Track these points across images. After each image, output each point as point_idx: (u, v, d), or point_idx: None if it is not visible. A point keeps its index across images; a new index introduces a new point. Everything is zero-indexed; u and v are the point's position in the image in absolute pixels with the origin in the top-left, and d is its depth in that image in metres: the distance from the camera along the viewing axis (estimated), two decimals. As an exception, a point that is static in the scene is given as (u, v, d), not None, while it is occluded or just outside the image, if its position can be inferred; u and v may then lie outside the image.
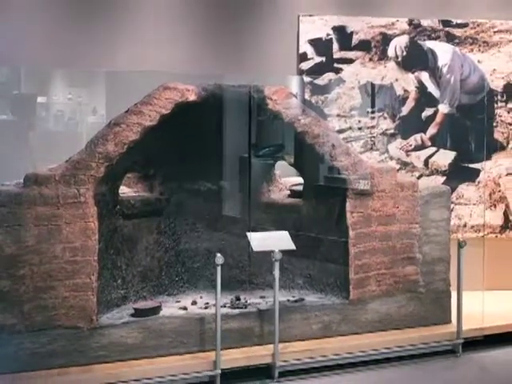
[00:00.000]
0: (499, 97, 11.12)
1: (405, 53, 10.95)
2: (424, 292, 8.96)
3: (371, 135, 10.89)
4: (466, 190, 11.04)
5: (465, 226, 10.97)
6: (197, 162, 8.99)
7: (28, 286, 7.36)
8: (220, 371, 7.66)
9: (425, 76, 11.02)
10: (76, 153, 7.77)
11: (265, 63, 10.50)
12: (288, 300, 8.62)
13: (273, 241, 8.28)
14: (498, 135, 11.11)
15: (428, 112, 11.03)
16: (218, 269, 7.69)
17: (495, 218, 11.09)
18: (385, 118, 10.94)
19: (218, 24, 10.55)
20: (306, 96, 10.59)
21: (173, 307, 8.39)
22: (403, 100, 10.97)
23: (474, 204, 11.04)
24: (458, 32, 11.03)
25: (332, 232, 8.92)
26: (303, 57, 10.76)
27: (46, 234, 7.46)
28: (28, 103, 9.88)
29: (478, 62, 11.08)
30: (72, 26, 9.93)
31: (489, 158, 11.01)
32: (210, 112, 8.57)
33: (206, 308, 8.38)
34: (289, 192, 9.58)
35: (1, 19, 9.68)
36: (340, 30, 10.83)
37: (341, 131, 10.56)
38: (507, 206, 11.12)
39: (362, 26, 10.87)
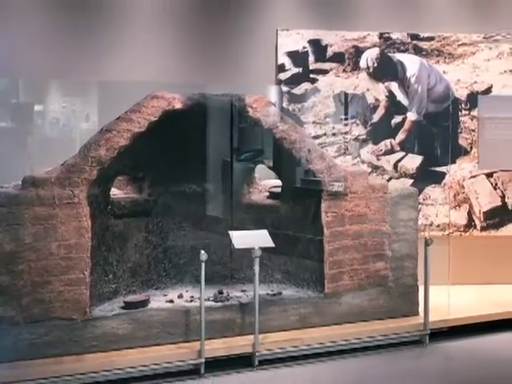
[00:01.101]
0: (463, 105, 11.13)
1: (376, 64, 10.97)
2: (393, 286, 9.00)
3: (344, 141, 10.90)
4: (432, 191, 11.07)
5: (431, 225, 11.00)
6: (183, 166, 8.94)
7: (26, 280, 7.39)
8: (204, 360, 7.72)
9: (394, 86, 11.04)
10: (70, 157, 7.78)
11: (246, 74, 10.52)
12: (267, 294, 8.63)
13: (253, 239, 8.30)
14: (462, 141, 11.12)
15: (397, 119, 11.05)
16: (202, 265, 7.75)
17: (459, 217, 11.11)
18: (357, 125, 10.96)
19: (203, 37, 10.54)
20: (284, 104, 10.60)
21: (160, 300, 8.38)
22: (374, 108, 10.99)
23: (440, 204, 11.05)
24: (425, 45, 11.07)
25: (308, 231, 8.95)
26: (281, 68, 10.77)
27: (43, 233, 7.49)
28: (26, 111, 9.87)
29: (444, 72, 11.11)
30: (67, 41, 9.92)
31: (453, 161, 11.04)
32: (195, 119, 8.52)
33: (191, 301, 8.35)
34: (268, 193, 9.57)
35: (1, 34, 9.69)
36: (315, 43, 10.84)
37: (316, 137, 10.59)
38: (471, 206, 11.13)
39: (335, 40, 10.88)
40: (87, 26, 10.08)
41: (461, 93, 11.13)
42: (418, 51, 11.08)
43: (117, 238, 8.59)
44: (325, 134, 10.85)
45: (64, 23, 10.00)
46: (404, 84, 11.09)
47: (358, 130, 10.97)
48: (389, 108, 11.05)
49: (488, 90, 11.18)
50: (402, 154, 11.08)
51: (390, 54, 11.03)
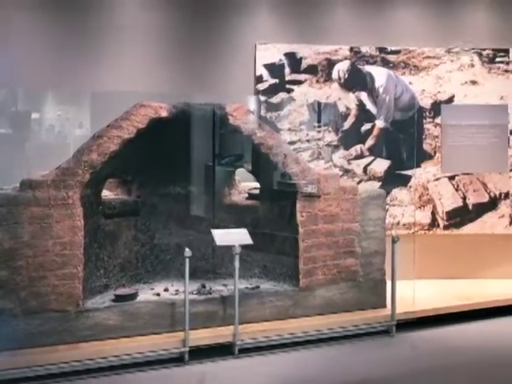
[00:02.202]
0: (427, 113, 11.16)
1: (346, 75, 10.98)
2: (363, 281, 9.05)
3: (318, 146, 10.90)
4: (399, 193, 11.08)
5: (398, 224, 11.00)
6: (168, 169, 8.92)
7: (23, 275, 7.45)
8: (188, 348, 7.78)
9: (364, 95, 11.06)
10: (65, 161, 7.82)
11: (226, 84, 10.53)
12: (246, 287, 8.65)
13: (233, 237, 8.33)
14: (426, 146, 11.14)
15: (366, 126, 11.06)
16: (187, 261, 7.78)
17: (424, 217, 11.12)
18: (329, 132, 10.96)
19: (187, 51, 10.53)
20: (262, 113, 10.60)
21: (148, 293, 8.41)
22: (345, 116, 10.98)
23: (406, 205, 11.08)
24: (392, 58, 11.09)
25: (284, 229, 8.99)
26: (259, 79, 10.79)
27: (39, 231, 7.53)
28: (23, 119, 9.85)
29: (410, 83, 11.13)
30: (62, 54, 9.93)
31: (418, 165, 11.06)
32: (180, 126, 8.57)
33: (176, 294, 8.37)
34: (247, 195, 9.60)
35: (2, 49, 9.67)
36: (291, 56, 10.86)
37: (292, 143, 10.60)
38: (434, 206, 11.15)
39: (309, 53, 10.90)
40: (81, 42, 10.10)
41: (425, 102, 11.17)
42: (385, 63, 11.10)
43: (107, 236, 8.59)
44: (299, 140, 10.87)
45: (60, 39, 10.03)
46: (373, 94, 11.11)
47: (330, 137, 10.98)
48: (359, 116, 11.06)
49: (450, 100, 11.20)
50: (371, 158, 11.09)
51: (359, 66, 11.05)
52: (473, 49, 11.25)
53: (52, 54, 9.97)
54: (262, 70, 10.83)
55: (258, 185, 9.56)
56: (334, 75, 10.99)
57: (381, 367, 7.85)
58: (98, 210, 8.48)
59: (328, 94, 11.00)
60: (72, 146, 8.69)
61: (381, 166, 11.12)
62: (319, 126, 10.96)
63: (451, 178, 11.23)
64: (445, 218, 11.20)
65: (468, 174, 11.24)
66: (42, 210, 7.57)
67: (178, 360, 7.79)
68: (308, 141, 10.92)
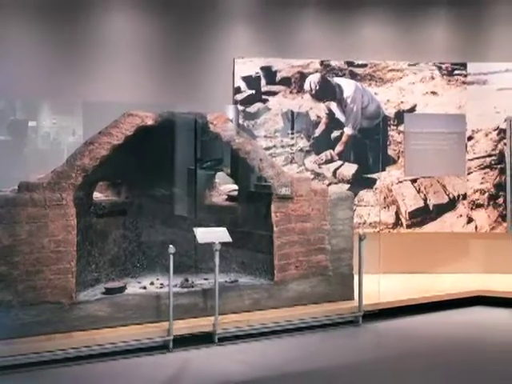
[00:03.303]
0: (392, 121, 11.24)
1: (317, 87, 11.06)
2: (332, 275, 9.08)
3: (291, 152, 10.97)
4: (365, 194, 11.14)
5: (364, 223, 11.07)
6: (154, 173, 8.97)
7: (21, 270, 7.48)
8: (172, 337, 7.81)
9: (333, 105, 11.13)
10: (59, 165, 7.85)
11: (207, 95, 10.59)
12: (226, 281, 8.69)
13: (214, 235, 8.32)
14: (390, 152, 11.22)
15: (336, 133, 11.13)
16: (171, 257, 7.80)
17: (388, 217, 11.20)
18: (302, 138, 11.03)
19: (171, 64, 10.64)
20: (240, 121, 10.68)
21: (135, 287, 8.45)
22: (316, 124, 11.07)
23: (372, 206, 11.13)
24: (359, 70, 11.18)
25: (260, 228, 9.03)
26: (237, 90, 10.88)
27: (36, 230, 7.55)
28: (21, 127, 9.87)
29: (375, 94, 11.23)
30: (57, 68, 10.05)
31: (383, 169, 11.13)
32: (164, 134, 8.62)
33: (161, 287, 8.43)
34: (226, 196, 9.62)
35: (1, 63, 9.69)
36: (266, 69, 10.95)
37: (267, 148, 10.62)
38: (398, 207, 11.22)
39: (283, 66, 10.98)
40: (74, 56, 10.18)
41: (390, 111, 11.26)
42: (353, 76, 11.18)
43: (98, 234, 8.62)
44: (274, 146, 10.93)
45: (55, 53, 10.11)
46: (341, 104, 11.17)
47: (303, 143, 11.05)
48: (329, 124, 11.12)
49: (412, 109, 11.30)
50: (340, 162, 11.15)
51: (329, 79, 11.12)
52: (433, 63, 11.33)
53: (47, 67, 10.06)
54: (239, 82, 10.93)
55: (236, 187, 9.60)
56: (306, 87, 11.08)
57: (348, 354, 7.87)
58: (90, 210, 8.49)
59: (300, 103, 11.08)
60: (66, 152, 8.70)
61: (349, 169, 11.17)
62: (292, 133, 11.04)
63: (413, 180, 11.30)
64: (407, 217, 11.25)
65: (429, 177, 11.31)
66: (38, 210, 7.58)
67: (162, 348, 7.79)
68: (282, 147, 10.99)
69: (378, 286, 9.34)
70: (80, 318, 7.75)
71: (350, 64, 11.22)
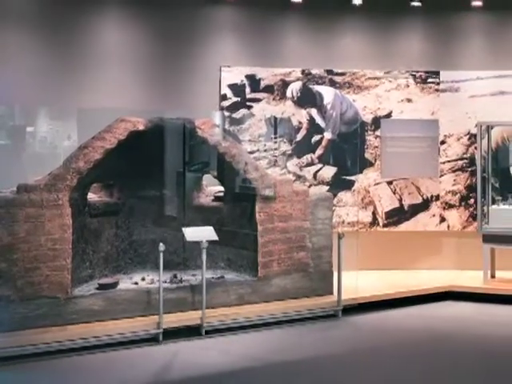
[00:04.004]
0: (369, 127, 11.25)
1: (299, 94, 11.06)
2: (313, 271, 9.11)
3: (274, 155, 10.99)
4: (344, 195, 11.13)
5: (343, 222, 11.02)
6: (145, 175, 8.97)
7: (20, 266, 7.53)
8: (162, 330, 7.85)
9: (314, 111, 11.13)
10: (55, 168, 7.91)
11: (195, 102, 10.57)
12: (212, 277, 8.75)
13: (201, 233, 8.35)
14: (368, 155, 11.23)
15: (316, 138, 11.13)
16: (161, 254, 7.84)
17: (366, 216, 11.20)
18: (284, 143, 11.04)
19: (161, 73, 10.61)
20: (226, 126, 10.62)
21: (127, 282, 8.50)
22: (298, 129, 11.06)
23: (350, 206, 11.13)
24: (338, 79, 11.17)
25: (245, 227, 9.10)
26: (224, 97, 10.87)
27: (33, 229, 7.60)
28: (20, 132, 9.87)
29: (353, 101, 11.21)
30: (54, 77, 9.99)
31: (361, 172, 11.17)
32: (155, 138, 8.67)
33: (151, 283, 8.46)
34: (213, 197, 9.63)
35: (1, 72, 9.70)
36: (251, 77, 10.96)
37: (251, 152, 10.61)
38: (375, 207, 11.23)
39: (267, 74, 10.99)
40: (70, 65, 10.14)
41: (367, 117, 11.26)
42: (332, 84, 11.17)
43: (92, 233, 8.63)
44: (258, 150, 10.95)
45: (52, 64, 10.07)
46: (322, 110, 11.17)
47: (285, 147, 11.05)
48: (309, 129, 11.13)
49: (388, 115, 11.29)
50: (320, 165, 11.15)
51: (310, 86, 11.13)
52: (408, 71, 11.36)
53: (45, 76, 10.01)
54: (226, 90, 10.92)
55: (222, 188, 9.61)
56: (288, 94, 11.08)
57: (328, 345, 7.94)
58: (84, 211, 8.52)
59: (283, 110, 11.08)
60: (62, 155, 8.64)
61: (328, 172, 11.18)
62: (275, 138, 11.05)
63: (389, 182, 11.30)
64: (384, 217, 11.28)
65: (404, 179, 11.31)
66: (35, 210, 7.63)
67: (153, 340, 7.83)
68: (266, 150, 11.00)
69: (356, 282, 9.36)
70: (75, 311, 7.77)
71: (329, 72, 11.22)
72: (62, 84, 10.04)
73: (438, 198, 11.36)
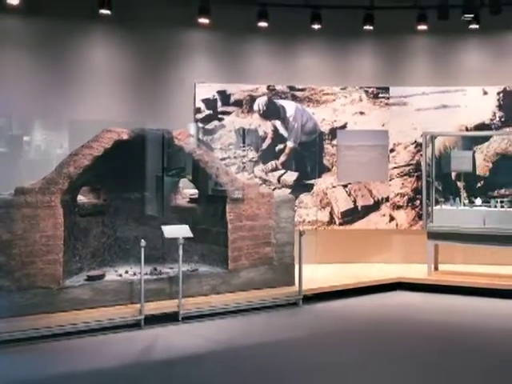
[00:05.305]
0: (326, 137, 11.37)
1: (265, 108, 11.21)
2: (277, 264, 9.21)
3: (242, 162, 11.09)
4: (304, 197, 11.27)
5: (304, 221, 11.17)
6: (128, 179, 9.02)
7: (17, 260, 7.61)
8: (144, 316, 7.94)
9: (278, 123, 11.27)
10: (49, 173, 7.97)
11: (172, 114, 10.61)
12: (188, 270, 8.78)
13: (178, 231, 8.39)
14: (325, 161, 11.35)
15: (280, 146, 11.29)
16: (142, 249, 7.92)
17: (324, 216, 11.33)
18: (251, 150, 11.16)
19: (142, 89, 10.71)
20: (200, 136, 10.71)
21: (112, 274, 8.53)
22: (263, 139, 11.22)
23: (310, 207, 11.25)
24: (299, 94, 11.31)
25: (217, 225, 9.14)
26: (198, 110, 10.99)
27: (29, 227, 7.68)
28: (17, 141, 9.87)
29: (313, 113, 11.37)
30: (47, 91, 10.11)
31: (320, 176, 11.31)
32: (137, 146, 8.72)
33: (134, 275, 8.48)
34: (189, 199, 9.69)
35: (1, 87, 9.74)
36: (222, 93, 11.08)
37: (222, 159, 10.72)
38: (332, 208, 11.33)
39: (236, 90, 11.12)
40: (62, 82, 10.25)
41: (325, 128, 11.41)
42: (294, 98, 11.32)
43: (82, 231, 8.69)
44: (229, 157, 11.04)
45: (46, 81, 10.18)
46: (285, 122, 11.31)
47: (252, 154, 11.18)
48: (274, 138, 11.27)
49: (344, 126, 11.42)
50: (283, 171, 11.30)
51: (274, 100, 11.27)
52: (361, 87, 11.47)
53: (40, 91, 10.08)
54: (199, 104, 11.04)
55: (196, 191, 9.67)
56: (255, 107, 11.22)
57: (290, 330, 8.02)
58: (75, 211, 8.55)
59: (250, 122, 11.22)
60: (54, 162, 8.65)
61: (291, 176, 11.32)
62: (244, 146, 11.17)
63: (345, 185, 11.43)
64: (340, 216, 11.39)
65: (357, 182, 11.44)
66: (31, 210, 7.70)
67: (135, 325, 7.92)
68: (235, 157, 11.11)
69: (316, 274, 9.56)
70: (66, 300, 7.83)
71: (291, 88, 11.34)
72: (54, 99, 10.09)
73: (387, 199, 11.47)
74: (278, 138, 11.32)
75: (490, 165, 11.29)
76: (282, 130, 11.34)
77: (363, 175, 11.45)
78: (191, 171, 9.52)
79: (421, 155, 11.12)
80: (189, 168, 9.48)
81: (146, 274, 8.42)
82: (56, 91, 10.15)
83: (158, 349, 7.29)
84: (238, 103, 11.20)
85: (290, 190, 11.09)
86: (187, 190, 9.86)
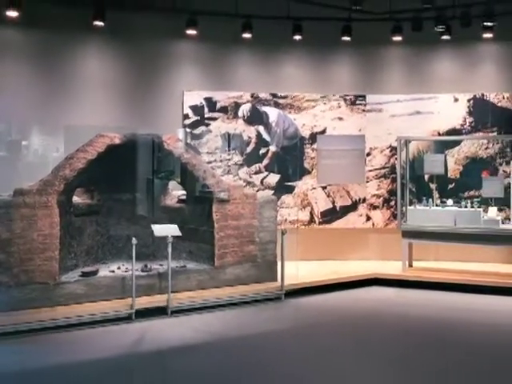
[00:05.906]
0: (307, 141, 11.44)
1: (249, 114, 11.28)
2: (260, 261, 9.28)
3: (228, 164, 11.13)
4: (286, 198, 11.34)
5: (286, 220, 11.19)
6: (120, 181, 9.05)
7: (16, 257, 7.69)
8: (135, 310, 8.00)
9: (261, 128, 11.36)
10: (46, 176, 8.04)
11: (162, 120, 10.60)
12: (177, 266, 8.81)
13: (167, 230, 8.43)
14: (306, 164, 11.42)
15: (263, 150, 11.37)
16: (134, 247, 7.98)
17: (304, 216, 11.38)
18: (236, 154, 11.21)
19: (134, 96, 10.75)
20: (188, 140, 10.64)
21: (105, 271, 8.55)
22: (248, 143, 11.29)
23: (291, 207, 11.30)
24: (281, 101, 11.40)
25: (204, 225, 9.17)
26: (186, 116, 11.04)
27: (27, 226, 7.76)
28: (16, 145, 9.90)
29: (294, 119, 11.44)
30: (44, 99, 10.16)
31: (300, 178, 11.38)
32: (129, 150, 8.77)
33: (126, 271, 8.52)
34: (177, 200, 9.71)
35: (1, 95, 9.75)
36: (208, 100, 11.14)
37: (209, 162, 10.74)
38: (312, 208, 11.39)
39: (222, 97, 11.18)
40: (58, 90, 10.29)
41: (305, 133, 11.49)
42: (276, 105, 11.40)
43: (76, 230, 8.76)
44: (215, 160, 11.09)
45: (43, 89, 10.22)
46: (268, 127, 11.39)
47: (237, 158, 11.23)
48: (258, 143, 11.34)
49: (323, 131, 11.49)
50: (266, 173, 11.37)
51: (258, 107, 11.34)
52: (340, 95, 11.52)
53: (37, 98, 10.14)
54: (187, 110, 11.10)
55: (185, 192, 9.72)
56: (240, 114, 11.29)
57: (273, 323, 8.10)
58: (70, 211, 8.63)
59: (235, 127, 11.29)
60: (51, 165, 8.68)
61: (273, 179, 11.40)
62: (229, 150, 11.22)
63: (324, 187, 11.51)
64: (319, 216, 11.46)
65: (336, 184, 11.50)
66: (29, 210, 7.77)
67: (127, 318, 7.98)
68: (221, 161, 11.16)
69: (297, 270, 9.50)
70: (62, 295, 7.90)
71: (274, 96, 11.42)
72: (51, 106, 10.13)
73: (364, 200, 11.55)
74: (261, 142, 11.38)
75: (461, 168, 11.31)
76: (265, 135, 11.40)
77: (341, 177, 11.48)
78: (180, 174, 9.53)
79: (395, 159, 11.15)
80: (177, 171, 9.49)
81: (137, 270, 8.44)
82: (53, 99, 10.19)
83: (148, 340, 7.33)
84: (224, 110, 11.25)
85: (272, 192, 11.15)
86: (176, 192, 9.87)
